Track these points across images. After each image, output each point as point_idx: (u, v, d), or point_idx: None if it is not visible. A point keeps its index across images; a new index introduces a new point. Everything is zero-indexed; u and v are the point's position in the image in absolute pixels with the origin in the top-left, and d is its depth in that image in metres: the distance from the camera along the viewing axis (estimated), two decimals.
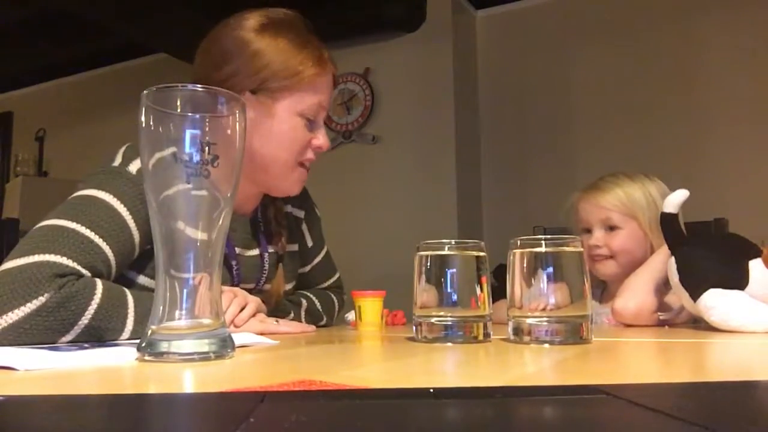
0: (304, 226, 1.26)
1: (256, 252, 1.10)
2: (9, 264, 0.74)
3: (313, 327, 1.09)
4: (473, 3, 3.18)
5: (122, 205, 0.85)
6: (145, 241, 0.89)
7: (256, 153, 1.00)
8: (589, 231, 1.34)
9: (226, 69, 0.97)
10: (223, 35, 0.99)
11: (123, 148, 0.93)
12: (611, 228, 1.32)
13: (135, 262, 0.91)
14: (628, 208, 1.30)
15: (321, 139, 1.04)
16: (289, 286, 1.18)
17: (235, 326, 0.92)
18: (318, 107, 1.02)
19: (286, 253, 1.16)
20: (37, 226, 0.81)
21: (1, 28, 3.29)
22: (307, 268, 1.28)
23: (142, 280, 0.93)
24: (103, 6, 2.79)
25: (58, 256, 0.75)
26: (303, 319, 1.18)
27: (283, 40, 0.98)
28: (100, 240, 0.81)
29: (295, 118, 1.00)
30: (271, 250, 1.12)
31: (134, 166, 0.89)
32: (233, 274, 1.04)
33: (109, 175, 0.88)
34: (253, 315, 0.97)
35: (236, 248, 1.06)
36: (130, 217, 0.85)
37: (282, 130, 0.99)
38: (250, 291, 1.04)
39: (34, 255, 0.74)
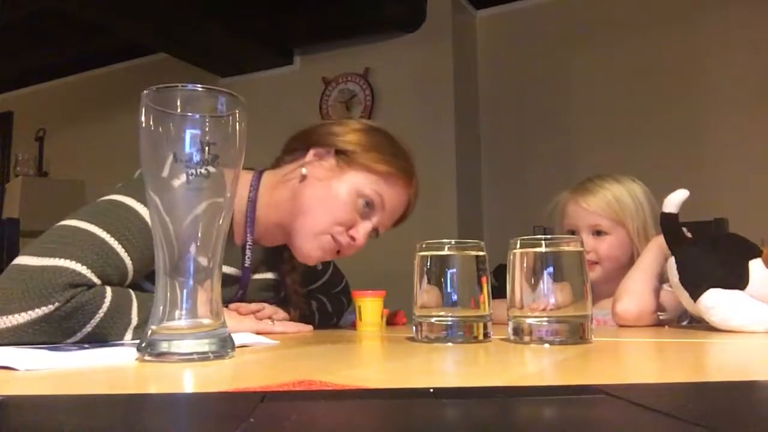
0: None
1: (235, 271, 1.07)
2: (29, 260, 0.74)
3: (310, 327, 1.10)
4: (473, 3, 3.18)
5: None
6: None
7: (304, 198, 1.01)
8: (573, 233, 1.34)
9: (335, 127, 1.07)
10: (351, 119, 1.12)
11: None
12: (599, 233, 1.31)
13: None
14: (618, 214, 1.30)
15: (360, 232, 1.04)
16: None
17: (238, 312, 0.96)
18: (378, 201, 1.03)
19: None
20: (65, 223, 0.80)
21: (1, 28, 3.28)
22: (316, 285, 1.30)
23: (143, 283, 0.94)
24: (102, 6, 2.78)
25: (78, 264, 0.74)
26: (316, 317, 1.21)
27: (384, 140, 1.07)
28: (124, 253, 0.80)
29: (354, 192, 1.02)
30: (255, 276, 1.10)
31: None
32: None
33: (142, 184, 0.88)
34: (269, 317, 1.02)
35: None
36: None
37: (336, 192, 1.02)
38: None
39: (54, 258, 0.74)
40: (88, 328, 0.73)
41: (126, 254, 0.81)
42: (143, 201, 0.84)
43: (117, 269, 0.80)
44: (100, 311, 0.74)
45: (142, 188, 0.85)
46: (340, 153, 1.03)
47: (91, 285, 0.76)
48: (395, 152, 1.06)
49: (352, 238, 1.03)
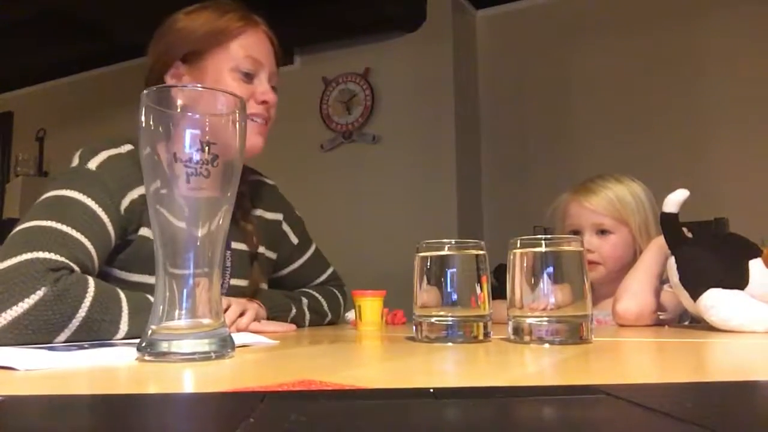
0: (285, 227, 1.26)
1: None
2: None
3: (294, 326, 1.09)
4: (473, 3, 3.18)
5: (90, 200, 0.87)
6: (118, 233, 0.90)
7: None
8: (577, 233, 1.34)
9: (157, 48, 1.04)
10: (161, 26, 1.06)
11: (78, 152, 0.95)
12: (602, 232, 1.31)
13: (128, 263, 0.93)
14: (621, 213, 1.30)
15: (265, 93, 1.05)
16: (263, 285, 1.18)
17: (237, 330, 0.93)
18: (251, 61, 1.03)
19: (261, 256, 1.16)
20: (15, 230, 0.81)
21: (1, 28, 3.28)
22: (297, 265, 1.29)
23: (117, 273, 0.95)
24: (103, 6, 2.78)
25: (48, 253, 0.76)
26: (307, 316, 1.19)
27: (207, 12, 1.04)
28: (80, 235, 0.82)
29: (229, 73, 1.02)
30: (236, 246, 1.11)
31: (93, 164, 0.91)
32: None
33: (70, 175, 0.90)
34: (254, 320, 0.99)
35: None
36: (100, 210, 0.87)
37: (217, 86, 1.01)
38: None
39: (22, 254, 0.75)
40: (82, 313, 0.73)
41: (83, 236, 0.82)
42: (81, 190, 0.87)
43: (81, 251, 0.81)
44: (88, 294, 0.75)
45: (77, 178, 0.88)
46: (186, 57, 1.02)
47: (69, 269, 0.77)
48: (223, 10, 1.04)
49: (264, 102, 1.05)
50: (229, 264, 1.10)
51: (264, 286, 1.18)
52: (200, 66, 1.02)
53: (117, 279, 0.94)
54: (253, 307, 1.00)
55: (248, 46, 1.04)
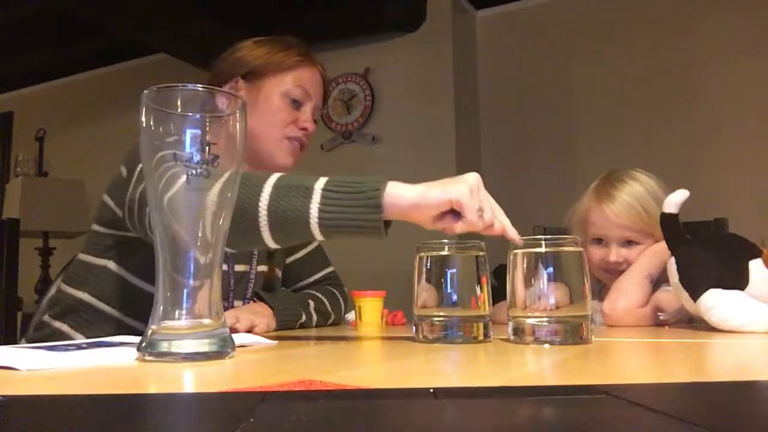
0: None
1: (243, 268, 1.14)
2: None
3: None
4: (473, 3, 3.18)
5: None
6: None
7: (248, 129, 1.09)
8: (601, 241, 1.31)
9: (220, 66, 1.16)
10: (230, 49, 1.18)
11: None
12: (629, 242, 1.29)
13: (130, 263, 0.93)
14: (649, 226, 1.26)
15: (306, 121, 1.15)
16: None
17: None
18: (302, 92, 1.15)
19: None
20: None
21: (1, 28, 3.28)
22: (299, 255, 1.30)
23: (133, 279, 0.95)
24: (102, 6, 2.78)
25: None
26: (314, 317, 1.20)
27: (273, 44, 1.17)
28: None
29: (280, 97, 1.13)
30: (261, 268, 1.16)
31: None
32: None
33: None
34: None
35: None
36: None
37: (267, 106, 1.12)
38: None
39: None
40: None
41: None
42: None
43: None
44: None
45: None
46: (246, 76, 1.13)
47: None
48: (286, 45, 1.16)
49: (305, 129, 1.15)
50: (256, 252, 1.16)
51: (278, 273, 1.24)
52: (256, 85, 1.13)
53: (134, 286, 0.96)
54: (263, 322, 1.00)
55: (301, 78, 1.15)
